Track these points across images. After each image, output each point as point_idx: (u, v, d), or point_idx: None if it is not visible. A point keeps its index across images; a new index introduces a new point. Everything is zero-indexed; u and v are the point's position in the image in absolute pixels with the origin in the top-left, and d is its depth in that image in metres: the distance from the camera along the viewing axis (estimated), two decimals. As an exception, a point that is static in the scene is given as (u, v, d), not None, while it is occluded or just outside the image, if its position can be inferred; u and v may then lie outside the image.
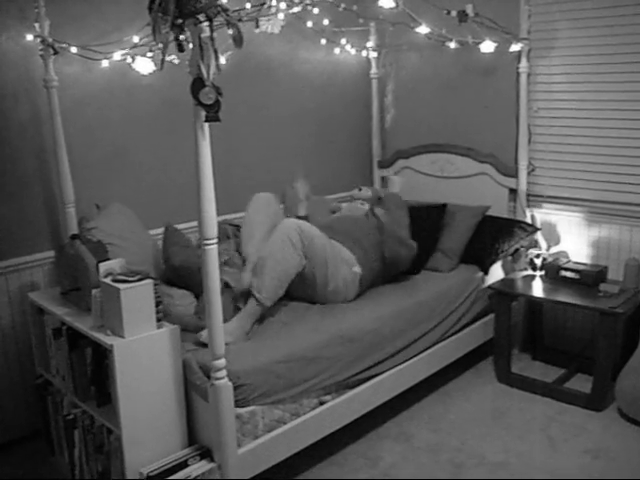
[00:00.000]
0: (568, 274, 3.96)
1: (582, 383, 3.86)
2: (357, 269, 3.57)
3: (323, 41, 4.48)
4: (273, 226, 3.46)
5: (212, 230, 2.39)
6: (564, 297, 3.80)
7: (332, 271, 3.42)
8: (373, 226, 3.87)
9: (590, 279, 3.87)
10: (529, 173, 4.35)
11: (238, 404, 2.68)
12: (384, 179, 5.10)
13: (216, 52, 2.23)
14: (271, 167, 4.42)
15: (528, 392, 3.84)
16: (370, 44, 4.80)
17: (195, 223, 2.51)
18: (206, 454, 2.70)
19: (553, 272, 4.03)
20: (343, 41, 4.60)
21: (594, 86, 3.99)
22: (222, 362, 2.54)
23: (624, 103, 3.88)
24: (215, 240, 2.41)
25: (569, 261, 4.13)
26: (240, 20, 2.76)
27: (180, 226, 3.81)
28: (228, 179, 4.07)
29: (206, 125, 2.30)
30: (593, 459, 3.19)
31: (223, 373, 2.56)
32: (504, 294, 3.99)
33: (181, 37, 2.22)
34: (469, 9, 3.65)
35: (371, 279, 3.68)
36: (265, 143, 4.41)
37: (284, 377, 2.87)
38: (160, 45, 2.27)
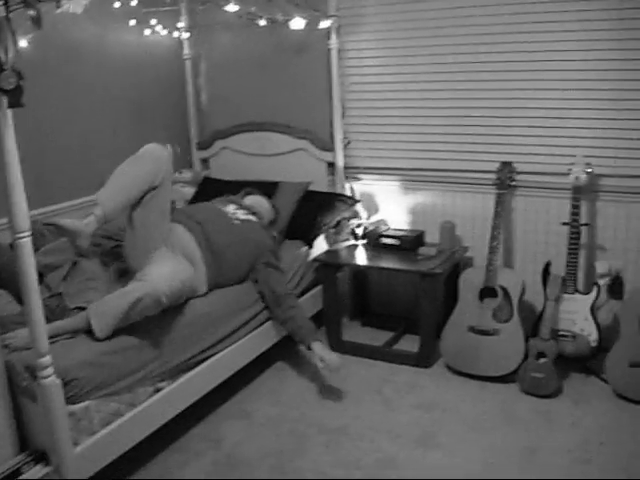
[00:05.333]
0: (388, 241, 4.12)
1: (410, 344, 4.04)
2: (203, 288, 3.40)
3: (132, 22, 4.35)
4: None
5: (24, 222, 2.25)
6: (386, 263, 3.96)
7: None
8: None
9: (409, 244, 4.05)
10: (345, 146, 4.46)
11: (70, 401, 2.55)
12: (204, 160, 5.05)
13: (14, 34, 2.10)
14: (86, 154, 4.24)
15: (361, 357, 3.97)
16: (181, 24, 4.69)
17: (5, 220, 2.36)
18: (41, 458, 2.56)
19: (374, 240, 4.17)
20: (153, 22, 4.48)
21: (401, 60, 4.16)
22: (47, 359, 2.40)
23: (429, 75, 4.08)
24: (28, 232, 2.27)
25: (389, 228, 4.30)
26: (39, 0, 2.62)
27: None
28: (40, 169, 3.88)
29: (9, 112, 2.16)
30: (426, 412, 3.36)
31: (50, 371, 2.41)
32: (329, 265, 4.08)
33: (-26, 20, 2.08)
34: (276, -14, 3.68)
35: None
36: (78, 129, 4.20)
37: (115, 367, 2.76)
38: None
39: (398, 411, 3.40)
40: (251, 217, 3.77)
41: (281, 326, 3.68)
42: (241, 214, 3.74)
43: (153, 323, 2.99)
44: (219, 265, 3.45)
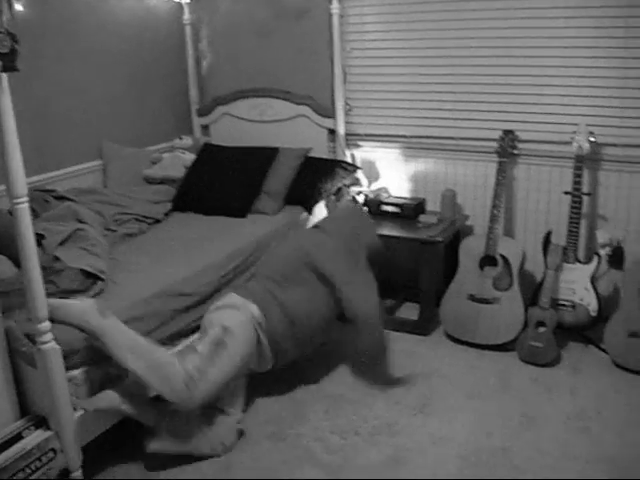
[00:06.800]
0: (389, 208, 4.12)
1: (410, 311, 4.06)
2: None
3: (132, -15, 4.30)
4: None
5: (22, 188, 2.25)
6: (387, 230, 3.95)
7: None
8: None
9: (410, 211, 4.04)
10: (346, 113, 4.43)
11: (70, 368, 2.57)
12: (204, 127, 5.01)
13: (9, -2, 2.07)
14: (85, 120, 4.21)
15: (360, 325, 3.97)
16: (181, -11, 4.64)
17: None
18: (42, 423, 2.58)
19: (375, 207, 4.16)
20: (153, -15, 4.43)
21: (403, 26, 4.11)
22: (46, 325, 2.41)
23: (431, 41, 4.04)
24: (26, 198, 2.27)
25: (390, 196, 4.29)
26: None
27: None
28: (38, 135, 3.84)
29: (4, 75, 2.14)
30: (425, 380, 3.38)
31: (49, 336, 2.43)
32: (330, 233, 4.07)
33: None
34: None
35: None
36: (77, 94, 4.15)
37: None
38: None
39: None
40: None
41: None
42: None
43: (148, 292, 3.00)
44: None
